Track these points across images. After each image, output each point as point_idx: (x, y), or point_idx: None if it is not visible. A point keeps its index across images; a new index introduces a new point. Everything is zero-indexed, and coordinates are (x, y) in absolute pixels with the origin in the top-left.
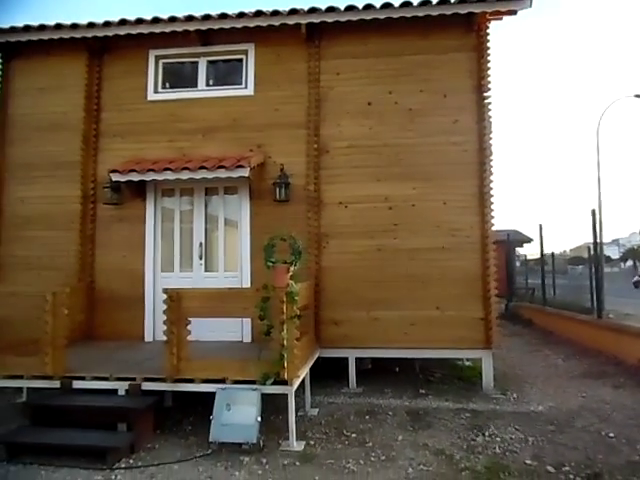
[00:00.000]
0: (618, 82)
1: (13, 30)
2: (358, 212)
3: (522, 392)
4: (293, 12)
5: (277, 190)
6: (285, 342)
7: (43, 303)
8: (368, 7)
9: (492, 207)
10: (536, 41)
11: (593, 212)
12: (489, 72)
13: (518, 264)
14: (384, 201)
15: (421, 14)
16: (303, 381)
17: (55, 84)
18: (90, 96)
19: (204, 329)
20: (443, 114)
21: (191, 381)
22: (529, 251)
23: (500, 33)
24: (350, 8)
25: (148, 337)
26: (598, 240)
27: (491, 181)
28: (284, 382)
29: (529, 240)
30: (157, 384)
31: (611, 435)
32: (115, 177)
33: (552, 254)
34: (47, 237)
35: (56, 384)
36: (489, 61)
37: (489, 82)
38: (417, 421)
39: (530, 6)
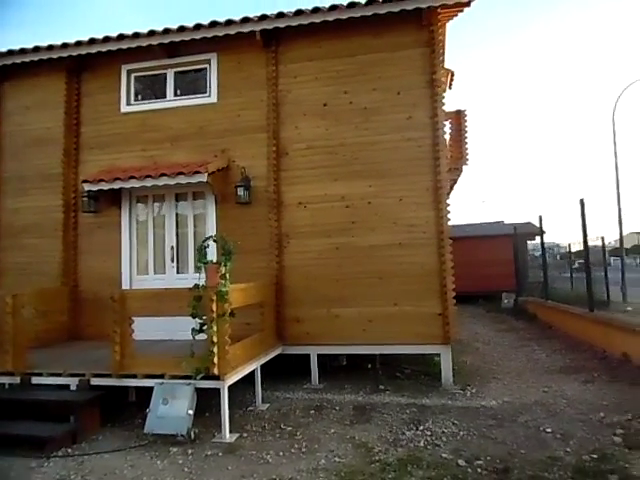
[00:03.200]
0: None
1: None
2: (317, 212)
3: (484, 387)
4: (246, 20)
5: (239, 193)
6: (215, 339)
7: (3, 305)
8: (316, 10)
9: (447, 202)
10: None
11: (582, 202)
12: (441, 67)
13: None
14: (341, 200)
15: (369, 13)
16: (253, 376)
17: (39, 102)
18: (70, 112)
19: (176, 328)
20: (397, 111)
21: (134, 376)
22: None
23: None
24: (299, 12)
25: None
26: (588, 232)
27: (445, 176)
28: (217, 377)
29: (541, 233)
30: (104, 379)
31: (548, 430)
32: (87, 186)
33: (569, 245)
34: (36, 244)
35: (17, 380)
36: (442, 55)
37: (442, 77)
38: (360, 415)
39: None
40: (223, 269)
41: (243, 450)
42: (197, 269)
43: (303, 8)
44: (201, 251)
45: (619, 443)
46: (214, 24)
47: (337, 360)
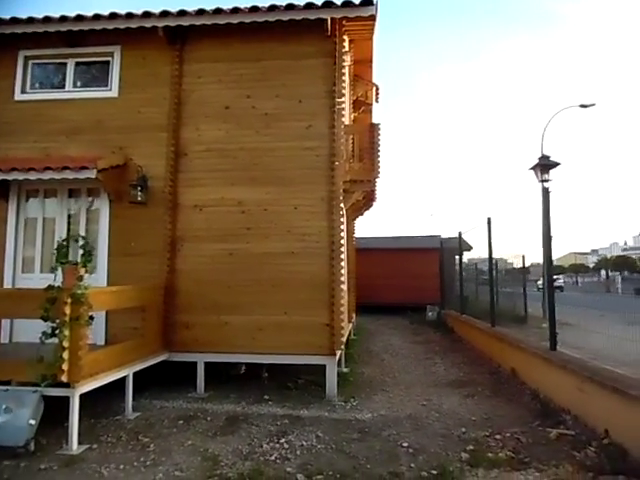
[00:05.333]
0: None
1: None
2: (212, 216)
3: (367, 400)
4: (147, 15)
5: (133, 192)
6: (65, 344)
7: None
8: (219, 11)
9: (341, 212)
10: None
11: (489, 220)
12: (343, 78)
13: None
14: (237, 205)
15: (272, 19)
16: (124, 383)
17: None
18: None
19: None
20: (298, 119)
21: None
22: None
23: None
24: (201, 12)
25: (4, 339)
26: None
27: (340, 186)
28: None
29: (469, 248)
30: None
31: (405, 445)
32: None
33: (496, 261)
34: None
35: None
36: (342, 67)
37: (342, 88)
38: (228, 427)
39: (376, 12)
40: (82, 270)
41: (83, 463)
42: (52, 269)
43: (206, 8)
44: (60, 251)
45: (465, 459)
46: (114, 16)
47: (235, 368)
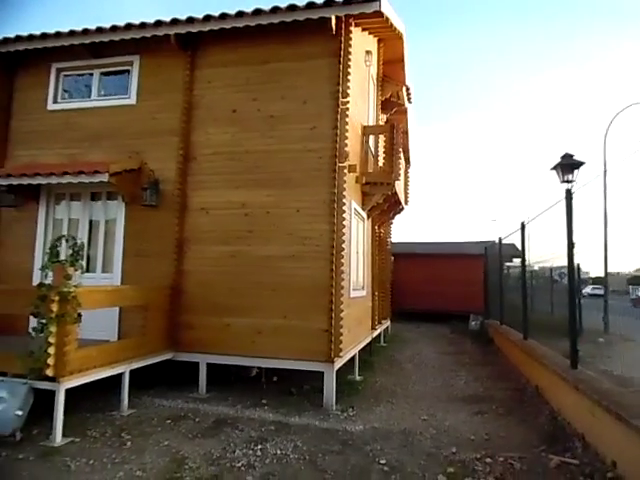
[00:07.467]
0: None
1: None
2: (217, 218)
3: (366, 410)
4: (159, 24)
5: (146, 195)
6: (52, 339)
7: None
8: (224, 16)
9: (344, 215)
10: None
11: (522, 225)
12: (348, 77)
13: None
14: (241, 207)
15: (276, 21)
16: (120, 380)
17: None
18: (2, 106)
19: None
20: (302, 121)
21: None
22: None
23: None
24: (208, 18)
25: None
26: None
27: (343, 189)
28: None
29: (517, 254)
30: None
31: (383, 462)
32: None
33: (550, 269)
34: None
35: None
36: (349, 66)
37: (347, 88)
38: (212, 429)
39: (380, 8)
40: (70, 269)
41: (59, 456)
42: (44, 268)
43: (213, 13)
44: (52, 251)
45: None
46: (129, 26)
47: (247, 370)
